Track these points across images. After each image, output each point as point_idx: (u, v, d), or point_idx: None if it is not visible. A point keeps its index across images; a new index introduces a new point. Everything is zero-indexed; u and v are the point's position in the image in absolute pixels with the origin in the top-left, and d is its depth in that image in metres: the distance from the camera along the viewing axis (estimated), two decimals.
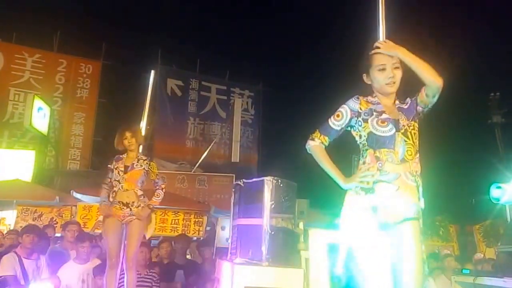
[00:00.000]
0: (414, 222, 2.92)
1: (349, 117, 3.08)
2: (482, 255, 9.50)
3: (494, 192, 5.12)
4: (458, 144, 14.57)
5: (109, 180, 5.49)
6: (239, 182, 5.82)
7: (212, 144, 17.25)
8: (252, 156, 18.82)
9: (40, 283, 5.86)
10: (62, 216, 9.70)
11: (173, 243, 7.65)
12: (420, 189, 2.97)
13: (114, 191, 5.41)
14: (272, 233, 4.99)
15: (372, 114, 3.04)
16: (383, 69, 3.03)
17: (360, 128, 3.07)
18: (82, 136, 16.86)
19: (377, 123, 3.00)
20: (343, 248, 3.24)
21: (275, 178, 5.24)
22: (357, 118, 3.08)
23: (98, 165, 16.12)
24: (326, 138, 3.11)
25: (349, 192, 3.00)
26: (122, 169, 5.43)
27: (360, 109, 3.07)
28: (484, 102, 12.13)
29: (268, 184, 5.11)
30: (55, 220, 9.60)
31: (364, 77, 3.16)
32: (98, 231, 8.68)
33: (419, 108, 3.08)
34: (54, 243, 7.56)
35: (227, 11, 22.07)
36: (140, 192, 5.42)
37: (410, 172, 2.93)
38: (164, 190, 5.68)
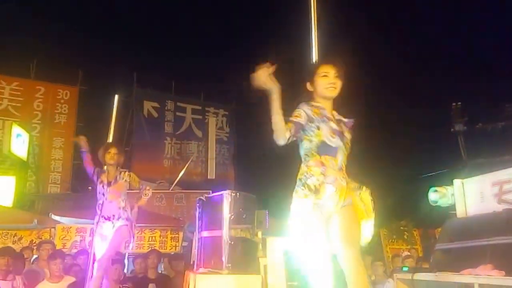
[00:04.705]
0: (349, 207, 3.27)
1: (305, 119, 3.27)
2: None
3: (432, 195, 5.48)
4: (421, 152, 15.07)
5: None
6: (201, 197, 6.22)
7: (189, 162, 17.57)
8: (229, 172, 19.17)
9: None
10: (41, 238, 9.86)
11: None
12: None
13: (99, 203, 5.89)
14: (232, 243, 5.35)
15: (324, 121, 3.31)
16: (326, 76, 3.35)
17: (312, 134, 3.30)
18: (62, 160, 17.08)
19: (328, 133, 3.28)
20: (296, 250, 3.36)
21: (234, 191, 5.61)
22: (311, 123, 3.30)
23: (78, 188, 16.37)
24: (291, 125, 3.19)
25: (296, 196, 3.27)
26: (106, 182, 5.92)
27: (313, 115, 3.31)
28: (446, 112, 12.67)
29: (227, 197, 5.47)
30: (34, 242, 9.78)
31: (308, 85, 3.46)
32: (74, 251, 8.97)
33: None
34: (32, 263, 7.83)
35: (200, 34, 22.53)
36: (122, 204, 5.90)
37: (343, 177, 3.31)
38: (150, 190, 6.23)
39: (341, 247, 3.15)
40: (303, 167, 3.34)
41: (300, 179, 3.30)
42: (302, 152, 3.38)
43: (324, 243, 3.17)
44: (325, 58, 3.54)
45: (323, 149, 3.28)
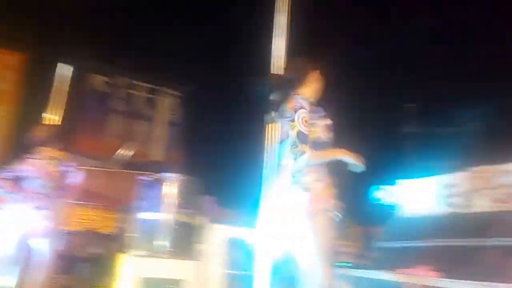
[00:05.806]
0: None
1: None
2: None
3: (376, 193, 5.53)
4: (368, 150, 15.22)
5: None
6: (146, 179, 6.00)
7: (135, 143, 17.20)
8: (177, 156, 18.85)
9: None
10: None
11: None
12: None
13: None
14: (176, 227, 5.20)
15: None
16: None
17: None
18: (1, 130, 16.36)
19: None
20: None
21: (181, 175, 5.45)
22: None
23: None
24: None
25: None
26: None
27: None
28: (399, 113, 12.82)
29: (173, 181, 5.32)
30: None
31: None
32: None
33: None
34: None
35: (161, 14, 22.08)
36: None
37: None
38: None
39: (311, 261, 2.91)
40: None
41: None
42: None
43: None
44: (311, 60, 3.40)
45: None
